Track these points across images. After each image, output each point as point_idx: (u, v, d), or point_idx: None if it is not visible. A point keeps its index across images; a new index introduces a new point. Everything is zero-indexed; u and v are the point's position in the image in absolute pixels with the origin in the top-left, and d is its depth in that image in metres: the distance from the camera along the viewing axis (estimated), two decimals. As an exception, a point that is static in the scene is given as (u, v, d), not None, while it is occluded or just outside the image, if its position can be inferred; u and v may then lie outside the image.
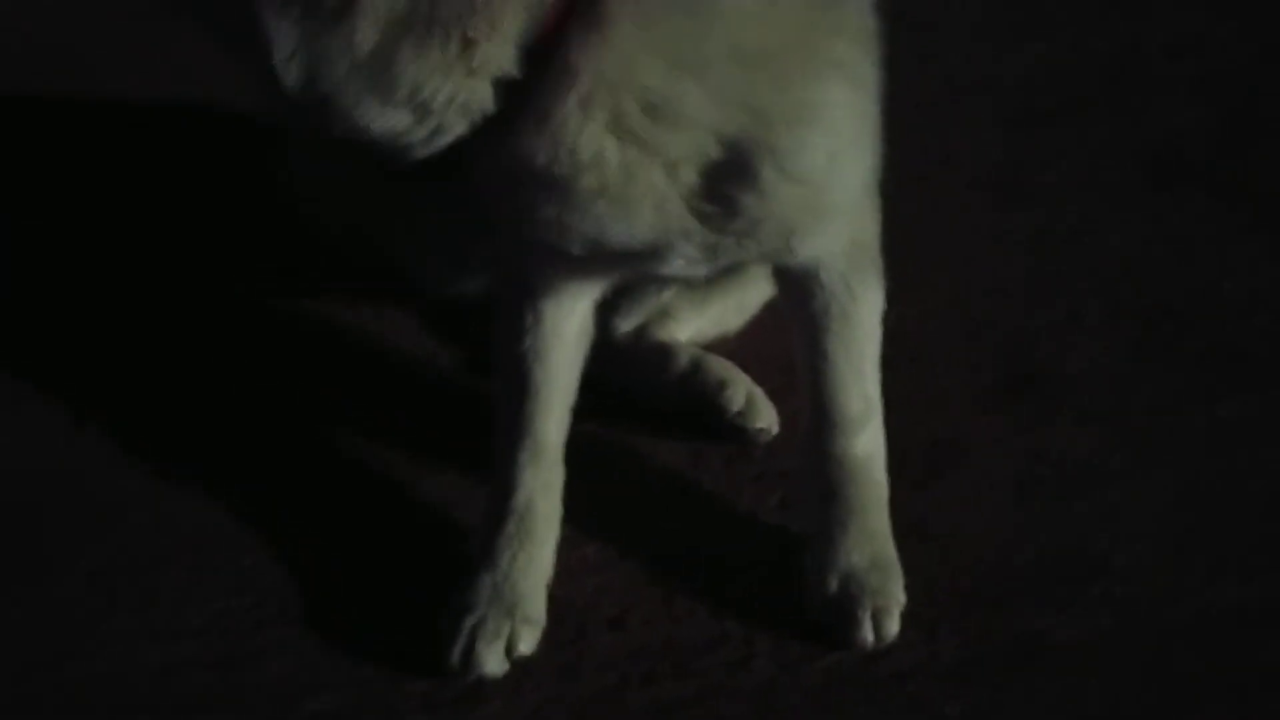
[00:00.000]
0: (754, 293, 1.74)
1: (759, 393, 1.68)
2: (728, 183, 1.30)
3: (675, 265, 1.40)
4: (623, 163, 1.27)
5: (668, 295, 1.73)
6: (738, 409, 1.66)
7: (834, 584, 1.49)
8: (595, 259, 1.39)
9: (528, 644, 1.49)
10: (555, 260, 1.42)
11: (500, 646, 1.48)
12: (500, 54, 1.21)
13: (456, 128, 1.25)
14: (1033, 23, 2.25)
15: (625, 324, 1.74)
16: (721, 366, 1.70)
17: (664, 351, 1.73)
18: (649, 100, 1.24)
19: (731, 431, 1.67)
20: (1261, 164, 1.96)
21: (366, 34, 1.17)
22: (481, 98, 1.23)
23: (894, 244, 1.85)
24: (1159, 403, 1.68)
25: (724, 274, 1.59)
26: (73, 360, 1.84)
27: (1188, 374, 1.71)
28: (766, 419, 1.67)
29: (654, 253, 1.37)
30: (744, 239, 1.36)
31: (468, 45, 1.19)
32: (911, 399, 1.68)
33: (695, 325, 1.76)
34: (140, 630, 1.54)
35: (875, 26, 1.39)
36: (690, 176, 1.29)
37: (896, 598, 1.49)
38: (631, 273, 1.49)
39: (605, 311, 1.64)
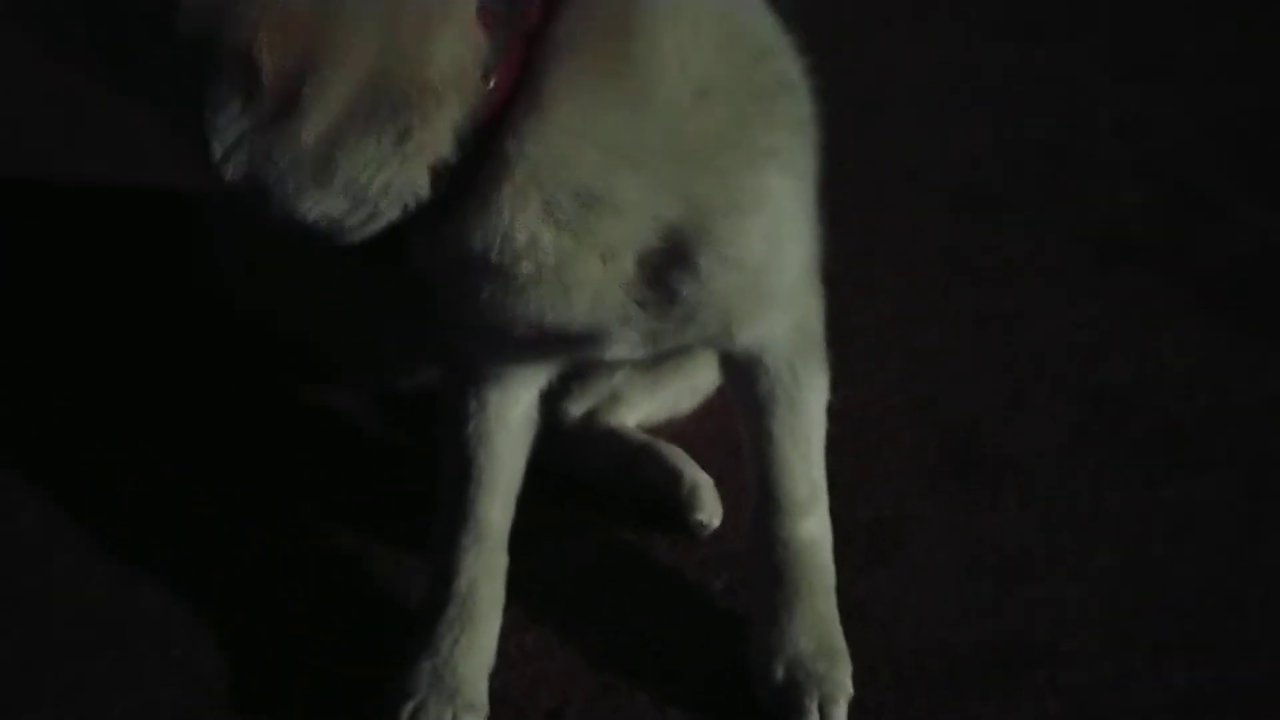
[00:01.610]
0: (705, 376, 1.73)
1: (704, 482, 1.67)
2: (666, 270, 1.30)
3: (616, 350, 1.39)
4: (558, 250, 1.26)
5: (619, 379, 1.72)
6: (682, 498, 1.65)
7: (780, 671, 1.47)
8: (536, 344, 1.38)
9: None
10: (497, 345, 1.42)
11: None
12: (437, 141, 1.21)
13: (391, 213, 1.24)
14: (978, 104, 2.28)
15: (575, 409, 1.73)
16: (669, 454, 1.69)
17: (612, 437, 1.72)
18: (584, 189, 1.24)
19: (676, 519, 1.66)
20: (1202, 244, 1.98)
21: (309, 130, 1.17)
22: (418, 183, 1.23)
23: (840, 324, 1.87)
24: (1103, 485, 1.68)
25: (674, 357, 1.58)
26: None
27: (1131, 456, 1.71)
28: (709, 511, 1.65)
29: (594, 338, 1.36)
30: (684, 325, 1.36)
31: (404, 134, 1.20)
32: (855, 479, 1.68)
33: (646, 409, 1.76)
34: (67, 720, 1.51)
35: (811, 113, 1.39)
36: (628, 264, 1.29)
37: (844, 686, 1.47)
38: (574, 358, 1.48)
39: (555, 396, 1.62)
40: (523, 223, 1.25)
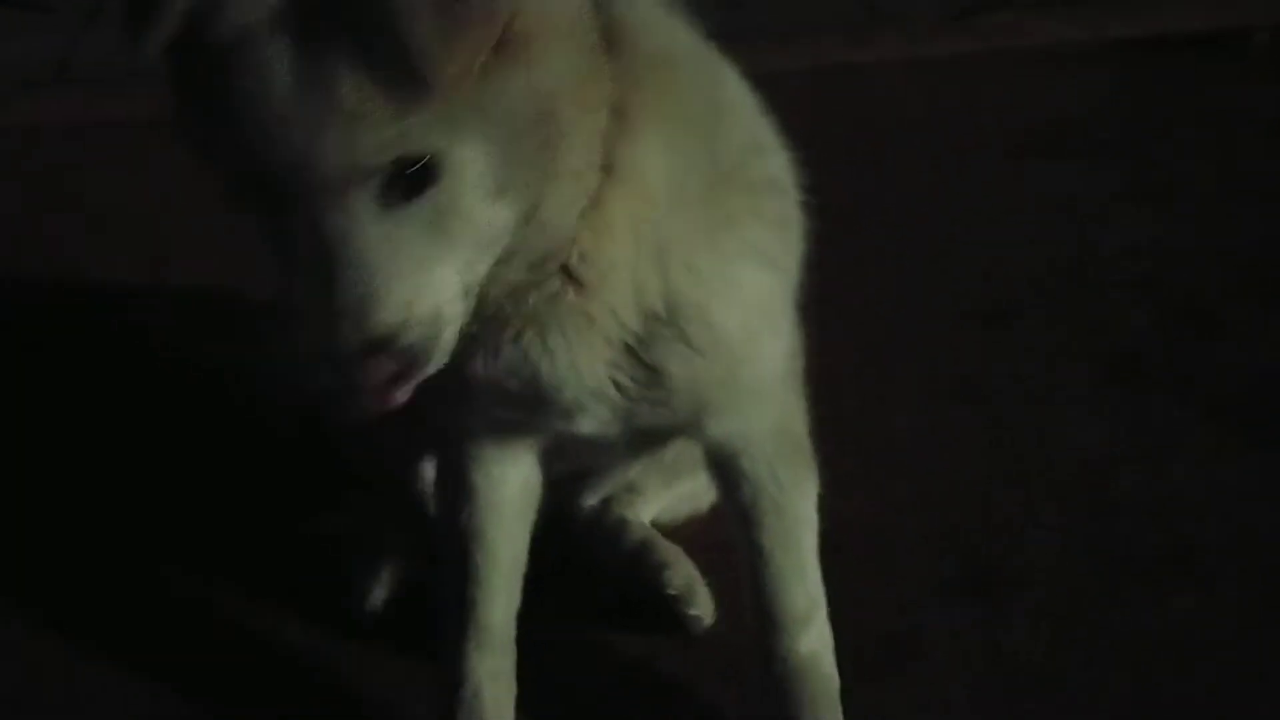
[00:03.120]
0: None
1: (698, 579, 1.69)
2: (643, 350, 1.30)
3: (586, 424, 1.36)
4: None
5: (636, 471, 1.74)
6: (675, 593, 1.66)
7: None
8: (507, 416, 1.37)
9: None
10: (470, 412, 1.39)
11: None
12: None
13: None
14: (993, 224, 2.32)
15: (589, 498, 1.75)
16: (667, 549, 1.71)
17: (618, 527, 1.74)
18: (584, 251, 1.24)
19: (671, 615, 1.67)
20: (1212, 362, 2.01)
21: None
22: None
23: (855, 435, 1.90)
24: (1113, 600, 1.69)
25: (665, 445, 1.57)
26: None
27: (1142, 571, 1.73)
28: (702, 607, 1.67)
29: (565, 411, 1.34)
30: (656, 408, 1.34)
31: None
32: (867, 592, 1.69)
33: (662, 502, 1.78)
34: None
35: (798, 219, 1.40)
36: (609, 332, 1.28)
37: None
38: (547, 431, 1.42)
39: (569, 487, 1.66)
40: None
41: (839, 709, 1.53)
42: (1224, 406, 1.94)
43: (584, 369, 1.29)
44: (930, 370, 2.03)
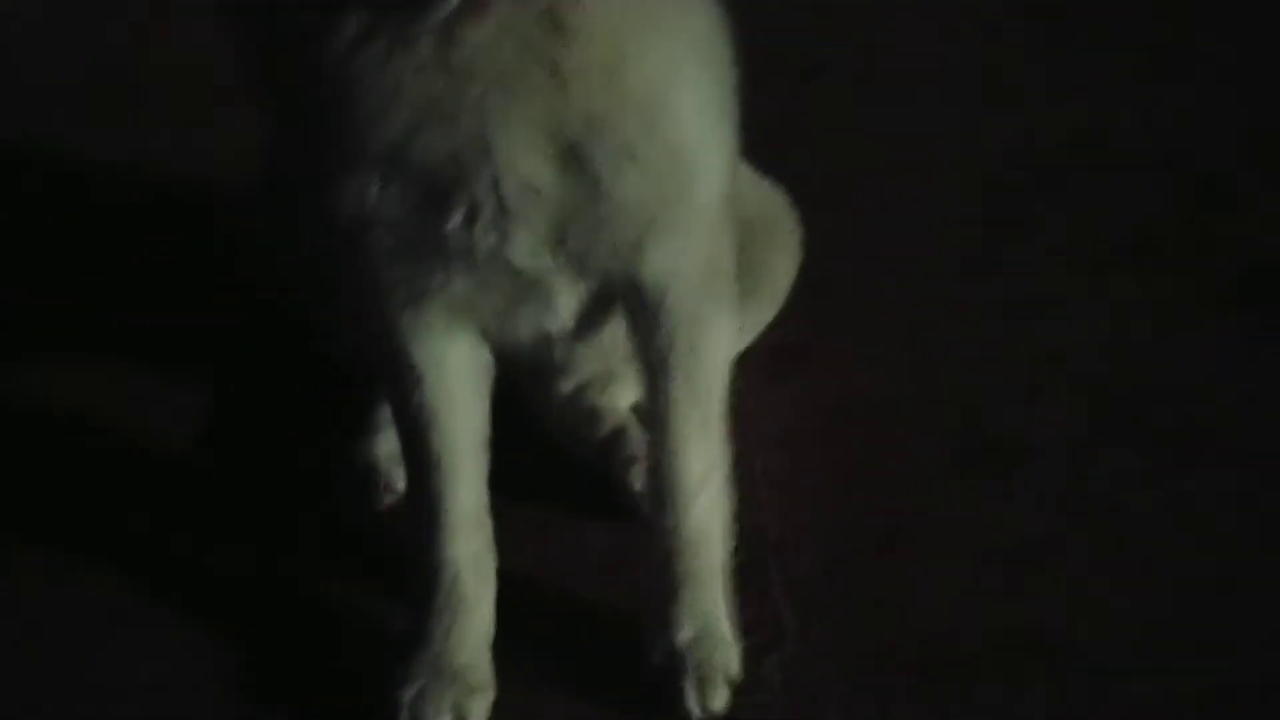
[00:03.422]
0: None
1: None
2: (586, 153, 1.27)
3: (519, 247, 1.32)
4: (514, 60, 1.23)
5: (616, 359, 1.67)
6: (639, 489, 1.61)
7: (659, 656, 1.48)
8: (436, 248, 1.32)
9: (479, 713, 1.46)
10: (395, 265, 1.34)
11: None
12: None
13: None
14: (1007, 99, 2.26)
15: (565, 386, 1.71)
16: (638, 443, 1.65)
17: (590, 417, 1.70)
18: (551, 13, 1.23)
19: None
20: (1226, 240, 1.97)
21: None
22: None
23: (861, 311, 1.88)
24: (1120, 478, 1.67)
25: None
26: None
27: (1150, 450, 1.70)
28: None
29: (497, 240, 1.31)
30: (595, 230, 1.32)
31: None
32: (872, 467, 1.68)
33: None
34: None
35: (723, 35, 1.38)
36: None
37: (725, 668, 1.47)
38: (479, 268, 1.35)
39: (548, 375, 1.64)
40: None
41: (719, 584, 1.51)
42: (1238, 284, 1.90)
43: (525, 145, 1.25)
44: (940, 243, 1.99)
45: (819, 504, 1.66)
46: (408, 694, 1.45)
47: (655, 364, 1.47)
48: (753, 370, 1.72)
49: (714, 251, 1.44)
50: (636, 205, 1.32)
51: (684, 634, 1.48)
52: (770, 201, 1.75)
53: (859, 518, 1.62)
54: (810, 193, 1.78)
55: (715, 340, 1.47)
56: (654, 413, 1.49)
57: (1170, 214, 2.02)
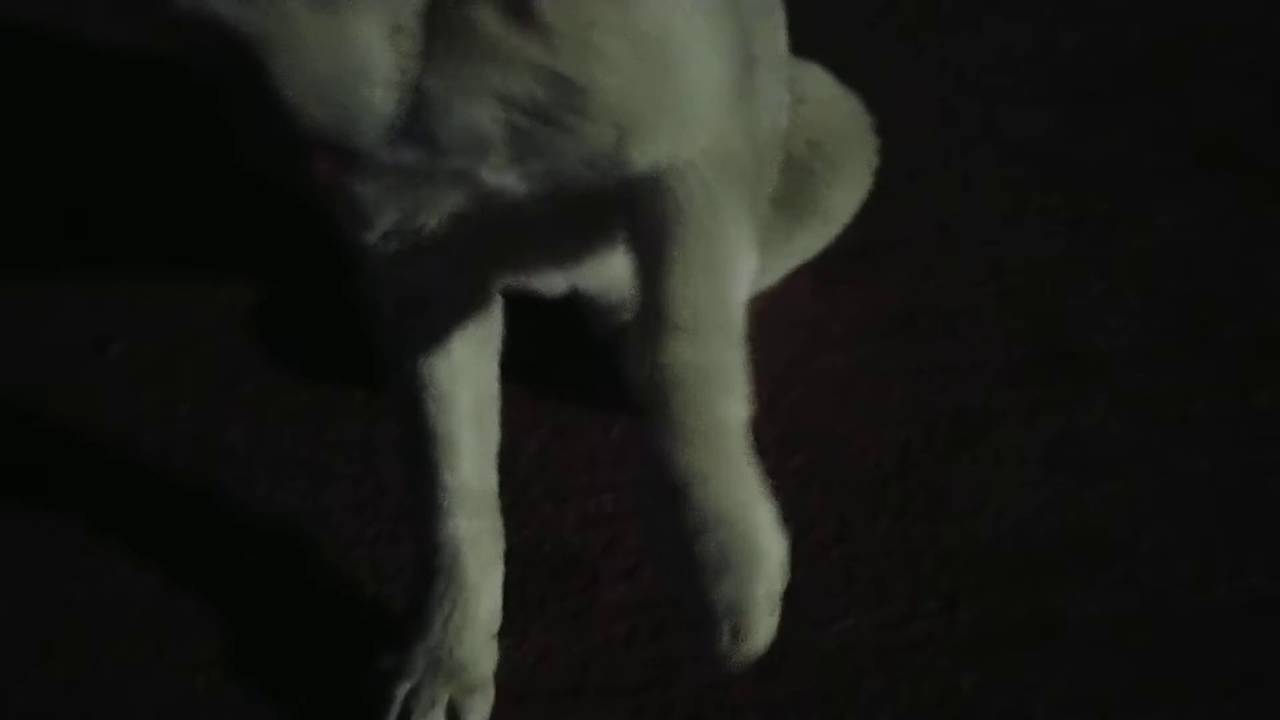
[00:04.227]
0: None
1: None
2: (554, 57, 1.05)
3: (495, 171, 1.11)
4: None
5: None
6: None
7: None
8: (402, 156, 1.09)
9: (479, 714, 1.35)
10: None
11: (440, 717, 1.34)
12: None
13: None
14: (1088, 2, 2.21)
15: (606, 325, 1.59)
16: None
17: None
18: None
19: None
20: (1311, 154, 1.93)
21: None
22: None
23: (931, 217, 1.85)
24: (1193, 389, 1.65)
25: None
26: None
27: (1224, 362, 1.68)
28: None
29: (468, 145, 1.09)
30: (569, 129, 1.08)
31: None
32: (940, 369, 1.66)
33: None
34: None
35: None
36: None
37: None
38: (456, 193, 1.15)
39: (591, 316, 1.55)
40: None
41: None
42: (1320, 199, 1.87)
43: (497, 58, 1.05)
44: (1014, 148, 1.95)
45: (884, 405, 1.65)
46: (401, 689, 1.34)
47: (650, 241, 1.15)
48: (816, 271, 1.71)
49: (722, 143, 1.16)
50: (615, 98, 1.09)
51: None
52: (848, 122, 1.65)
53: (925, 420, 1.60)
54: (884, 105, 1.74)
55: (728, 225, 1.15)
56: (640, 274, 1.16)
57: (1253, 125, 1.97)
